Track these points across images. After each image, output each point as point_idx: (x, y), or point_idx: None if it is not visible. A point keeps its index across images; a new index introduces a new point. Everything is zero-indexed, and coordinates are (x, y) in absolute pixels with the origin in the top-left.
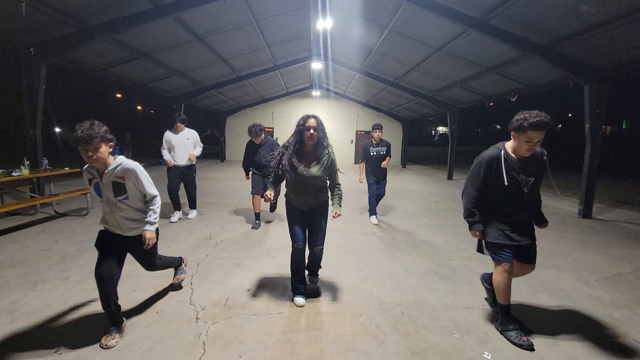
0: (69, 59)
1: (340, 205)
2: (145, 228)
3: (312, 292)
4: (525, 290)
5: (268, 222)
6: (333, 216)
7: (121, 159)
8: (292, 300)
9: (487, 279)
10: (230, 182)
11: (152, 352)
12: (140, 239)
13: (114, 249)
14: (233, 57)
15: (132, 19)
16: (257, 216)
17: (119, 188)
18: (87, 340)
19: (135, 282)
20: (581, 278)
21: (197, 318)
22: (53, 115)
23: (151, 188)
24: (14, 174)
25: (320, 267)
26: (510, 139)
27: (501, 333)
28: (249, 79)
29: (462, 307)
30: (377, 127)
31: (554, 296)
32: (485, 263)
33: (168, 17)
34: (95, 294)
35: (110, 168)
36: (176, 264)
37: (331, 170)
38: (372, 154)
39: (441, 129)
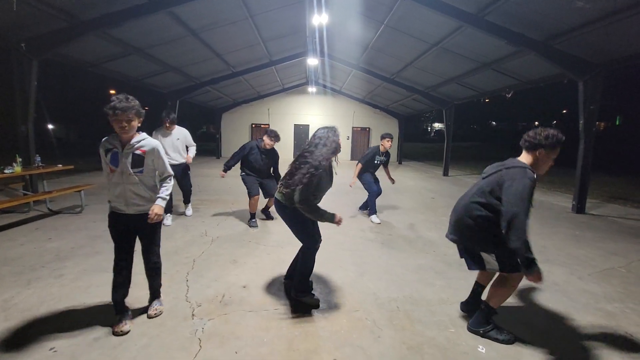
0: (61, 54)
1: None
2: (156, 202)
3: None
4: (519, 285)
5: (264, 219)
6: None
7: (145, 135)
8: (308, 302)
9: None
10: (226, 179)
11: (149, 348)
12: (145, 218)
13: (126, 237)
14: (228, 52)
15: (126, 14)
16: (253, 215)
17: (137, 160)
18: (82, 338)
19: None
20: (574, 272)
21: (193, 315)
22: (46, 112)
23: (169, 168)
24: (5, 171)
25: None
26: (520, 156)
27: (484, 336)
28: (244, 75)
29: (457, 302)
30: (388, 136)
31: (547, 290)
32: None
33: (162, 12)
34: (90, 291)
35: (134, 140)
36: (159, 281)
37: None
38: (376, 162)
39: (437, 126)
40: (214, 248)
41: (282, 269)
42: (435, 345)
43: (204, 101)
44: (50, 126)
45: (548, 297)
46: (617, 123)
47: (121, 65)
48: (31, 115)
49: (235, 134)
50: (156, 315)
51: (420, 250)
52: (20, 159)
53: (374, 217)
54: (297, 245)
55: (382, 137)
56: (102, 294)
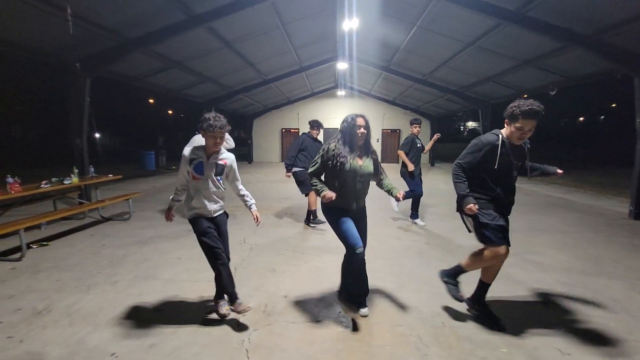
0: (110, 71)
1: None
2: (252, 209)
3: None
4: (574, 301)
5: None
6: (399, 198)
7: (224, 150)
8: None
9: (448, 273)
10: (259, 185)
11: (200, 357)
12: (222, 219)
13: (211, 228)
14: (260, 61)
15: (168, 31)
16: (315, 213)
17: (218, 168)
18: (139, 344)
19: (177, 286)
20: (635, 287)
21: (238, 324)
22: (94, 122)
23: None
24: (65, 182)
25: (367, 290)
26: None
27: (444, 282)
28: (275, 82)
29: (507, 319)
30: (417, 122)
31: (606, 307)
32: (527, 269)
33: (200, 27)
34: (142, 297)
35: (218, 151)
36: (230, 287)
37: (379, 166)
38: (418, 145)
39: (471, 124)
40: (253, 256)
41: (321, 278)
42: None
43: (237, 108)
44: (97, 135)
45: (608, 315)
46: None
47: (162, 78)
48: (85, 129)
49: (265, 139)
50: (226, 312)
51: (461, 260)
52: (77, 170)
53: (419, 221)
54: (336, 253)
55: (411, 123)
56: (152, 301)
